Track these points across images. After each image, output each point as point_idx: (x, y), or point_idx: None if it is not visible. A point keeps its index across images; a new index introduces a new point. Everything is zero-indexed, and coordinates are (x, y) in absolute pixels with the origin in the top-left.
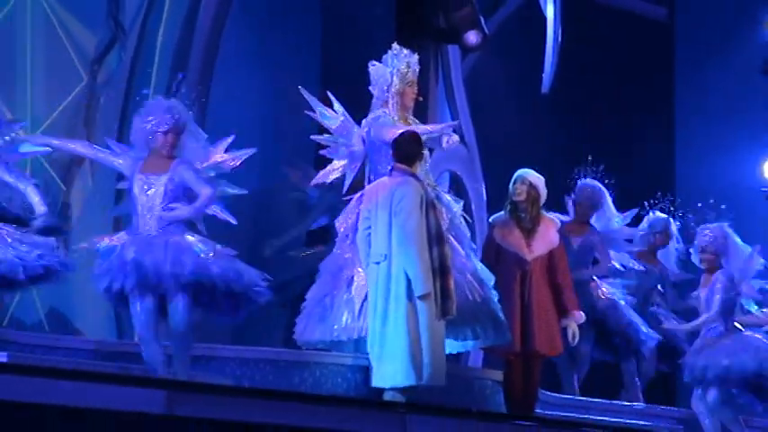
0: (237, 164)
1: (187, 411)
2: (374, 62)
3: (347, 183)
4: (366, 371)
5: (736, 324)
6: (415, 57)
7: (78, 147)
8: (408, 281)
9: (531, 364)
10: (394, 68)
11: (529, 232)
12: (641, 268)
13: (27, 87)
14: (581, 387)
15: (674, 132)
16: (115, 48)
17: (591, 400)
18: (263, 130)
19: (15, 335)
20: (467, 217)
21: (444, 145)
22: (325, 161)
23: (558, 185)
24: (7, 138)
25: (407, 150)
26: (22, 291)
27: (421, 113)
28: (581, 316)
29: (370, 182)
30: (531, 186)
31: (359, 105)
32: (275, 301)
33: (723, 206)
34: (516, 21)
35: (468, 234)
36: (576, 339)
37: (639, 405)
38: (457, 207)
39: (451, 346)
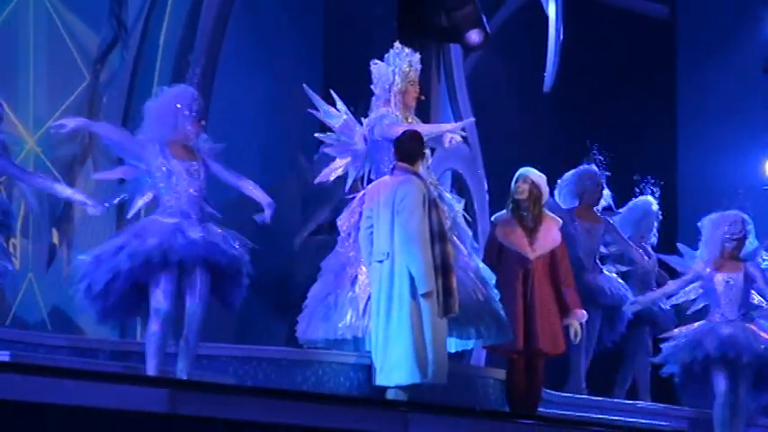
0: None
1: (190, 410)
2: (376, 61)
3: (350, 181)
4: (368, 370)
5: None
6: (418, 56)
7: (103, 130)
8: (411, 279)
9: (534, 363)
10: (396, 67)
11: (531, 231)
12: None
13: (29, 87)
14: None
15: (676, 131)
16: (118, 47)
17: (594, 398)
18: (266, 129)
19: (18, 334)
20: (467, 216)
21: (446, 144)
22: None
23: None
24: None
25: (409, 149)
26: None
27: (423, 113)
28: (583, 314)
29: (371, 181)
30: (533, 185)
31: (361, 104)
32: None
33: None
34: (518, 20)
35: (471, 233)
36: (579, 338)
37: (643, 404)
38: (459, 206)
39: (453, 344)
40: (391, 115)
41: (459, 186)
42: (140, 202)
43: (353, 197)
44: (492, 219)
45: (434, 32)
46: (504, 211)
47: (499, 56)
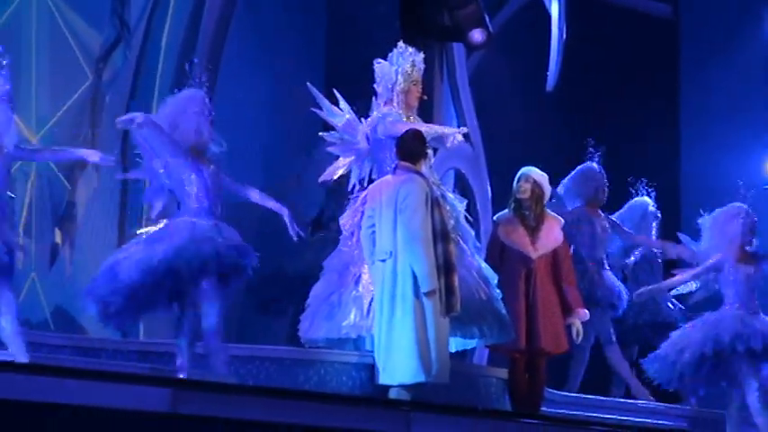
0: None
1: (192, 410)
2: (379, 60)
3: (352, 180)
4: (371, 369)
5: None
6: (421, 55)
7: (154, 132)
8: (414, 278)
9: (537, 362)
10: (399, 67)
11: (533, 230)
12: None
13: (32, 86)
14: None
15: (679, 130)
16: (120, 46)
17: (597, 398)
18: (267, 128)
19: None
20: (468, 216)
21: (448, 143)
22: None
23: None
24: None
25: (411, 148)
26: None
27: (426, 112)
28: (585, 314)
29: (372, 180)
30: (535, 184)
31: (363, 104)
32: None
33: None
34: (521, 19)
35: (473, 232)
36: (581, 337)
37: (646, 403)
38: (461, 207)
39: (455, 344)
40: (394, 113)
41: (462, 186)
42: (159, 205)
43: (356, 196)
44: (494, 218)
45: (437, 32)
46: (507, 210)
47: (502, 55)
